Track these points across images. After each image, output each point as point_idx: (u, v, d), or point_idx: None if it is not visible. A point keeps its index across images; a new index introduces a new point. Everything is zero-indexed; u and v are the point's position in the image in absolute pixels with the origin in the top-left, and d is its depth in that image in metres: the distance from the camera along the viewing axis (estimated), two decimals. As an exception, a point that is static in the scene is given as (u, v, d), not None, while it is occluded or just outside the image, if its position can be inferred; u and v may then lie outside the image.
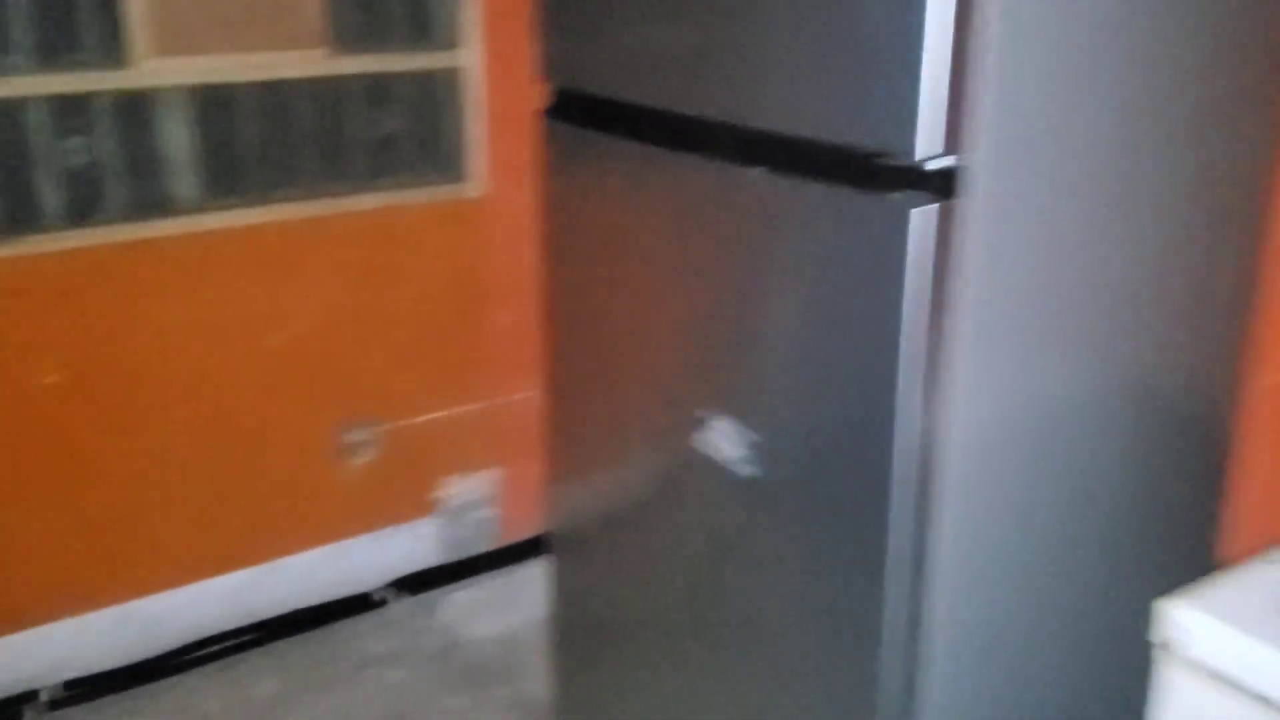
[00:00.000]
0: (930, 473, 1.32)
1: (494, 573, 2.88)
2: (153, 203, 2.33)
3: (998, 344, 1.32)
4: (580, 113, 1.69)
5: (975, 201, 1.22)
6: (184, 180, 2.36)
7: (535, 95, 1.78)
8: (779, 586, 1.52)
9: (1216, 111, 1.44)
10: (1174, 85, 1.37)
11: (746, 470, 1.48)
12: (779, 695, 1.56)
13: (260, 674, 2.52)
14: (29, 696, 2.38)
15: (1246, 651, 1.10)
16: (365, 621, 2.71)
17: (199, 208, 2.38)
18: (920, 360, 1.27)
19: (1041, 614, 1.49)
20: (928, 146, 1.18)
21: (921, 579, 1.36)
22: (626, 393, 1.74)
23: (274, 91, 2.41)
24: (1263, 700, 1.08)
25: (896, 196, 1.21)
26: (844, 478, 1.39)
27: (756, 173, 1.39)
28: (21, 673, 2.40)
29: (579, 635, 2.01)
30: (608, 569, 1.89)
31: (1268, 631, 1.10)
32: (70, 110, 2.21)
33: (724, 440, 1.50)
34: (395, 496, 2.80)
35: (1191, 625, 1.14)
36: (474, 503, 2.91)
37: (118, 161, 2.28)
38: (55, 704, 2.39)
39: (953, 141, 1.19)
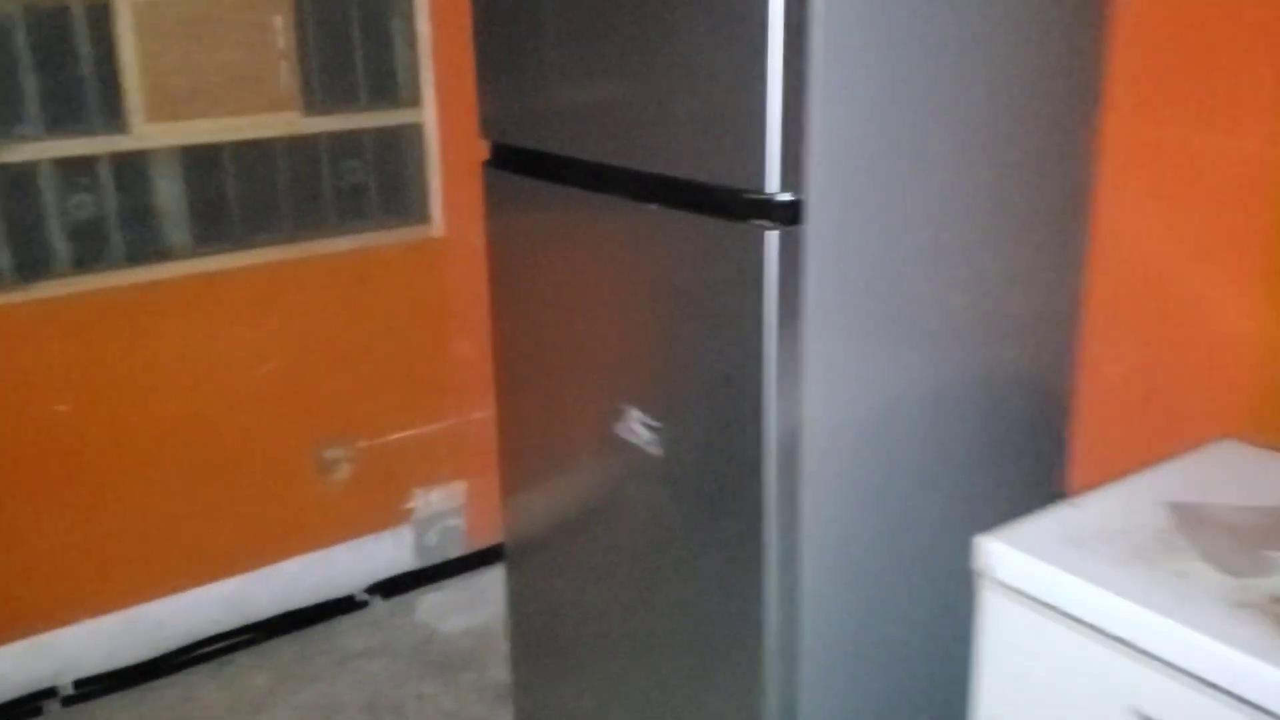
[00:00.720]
0: (796, 452, 1.46)
1: (463, 576, 2.96)
2: (149, 250, 2.43)
3: (846, 345, 1.48)
4: (513, 163, 1.83)
5: (817, 226, 1.41)
6: (177, 230, 2.46)
7: (485, 146, 1.91)
8: (682, 558, 1.64)
9: (1036, 139, 1.60)
10: (996, 119, 1.54)
11: (656, 451, 1.64)
12: (688, 664, 1.69)
13: (253, 670, 2.61)
14: (47, 694, 2.47)
15: (1039, 573, 1.29)
16: (348, 621, 2.79)
17: (190, 253, 2.48)
18: (782, 358, 1.43)
19: (899, 565, 1.63)
20: (777, 184, 1.38)
21: (795, 547, 1.51)
22: (562, 395, 1.85)
23: (254, 149, 2.51)
24: (1052, 609, 1.28)
25: (754, 224, 1.40)
26: (726, 456, 1.52)
27: (652, 208, 1.56)
28: (40, 672, 2.48)
29: (532, 625, 2.09)
30: (552, 566, 1.98)
31: (1054, 556, 1.30)
32: (76, 171, 2.32)
33: (637, 426, 1.67)
34: (371, 508, 2.87)
35: (998, 553, 1.34)
36: (443, 512, 2.98)
37: (118, 215, 2.38)
38: (70, 700, 2.48)
39: (796, 179, 1.38)
